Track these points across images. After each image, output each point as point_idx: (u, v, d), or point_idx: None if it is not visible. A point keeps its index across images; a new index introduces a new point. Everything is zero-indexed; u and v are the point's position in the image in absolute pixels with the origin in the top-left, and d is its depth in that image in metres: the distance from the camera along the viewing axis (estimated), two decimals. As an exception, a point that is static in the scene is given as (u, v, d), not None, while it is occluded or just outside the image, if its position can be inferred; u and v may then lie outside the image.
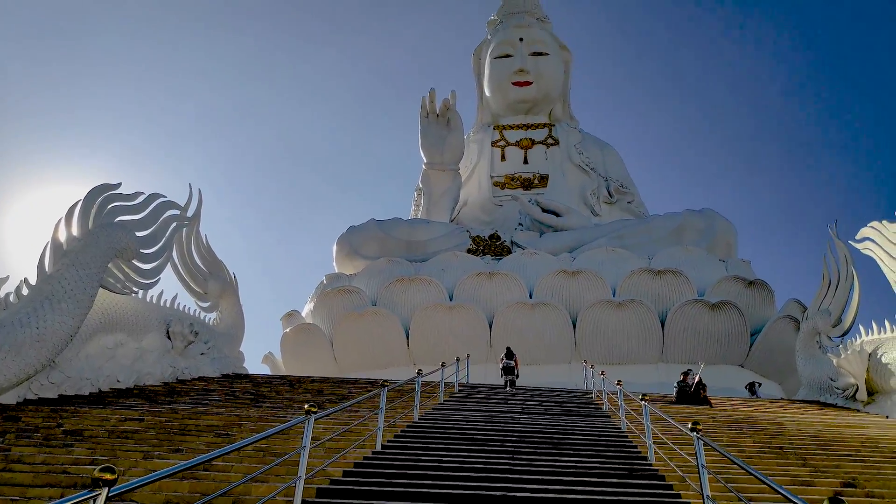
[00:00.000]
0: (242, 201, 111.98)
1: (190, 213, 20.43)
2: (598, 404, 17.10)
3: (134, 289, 17.25)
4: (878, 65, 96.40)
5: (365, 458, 10.32)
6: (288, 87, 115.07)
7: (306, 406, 7.81)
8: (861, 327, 18.71)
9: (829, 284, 20.63)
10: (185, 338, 18.46)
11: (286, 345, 33.59)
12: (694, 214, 34.65)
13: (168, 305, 19.28)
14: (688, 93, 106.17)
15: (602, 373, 16.57)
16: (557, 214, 36.50)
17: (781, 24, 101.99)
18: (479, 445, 11.58)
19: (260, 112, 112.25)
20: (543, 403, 16.67)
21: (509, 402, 16.73)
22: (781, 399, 20.83)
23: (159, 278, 18.02)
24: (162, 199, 18.08)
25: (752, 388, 24.30)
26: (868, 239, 17.70)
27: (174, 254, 20.29)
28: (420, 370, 14.62)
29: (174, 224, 18.60)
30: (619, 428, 13.76)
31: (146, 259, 17.49)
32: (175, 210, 18.77)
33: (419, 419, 13.87)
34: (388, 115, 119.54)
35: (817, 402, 19.44)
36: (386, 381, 11.95)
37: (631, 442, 12.47)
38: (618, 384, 14.05)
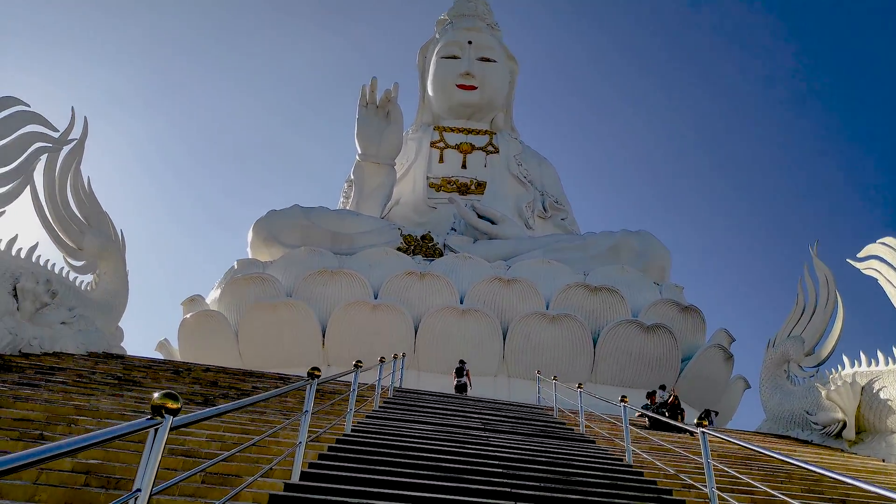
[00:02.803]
0: (151, 179, 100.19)
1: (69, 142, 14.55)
2: (566, 424, 12.87)
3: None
4: (830, 91, 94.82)
5: (274, 494, 5.56)
6: (221, 72, 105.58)
7: (156, 396, 3.07)
8: (845, 358, 15.56)
9: (804, 310, 17.51)
10: (38, 298, 12.68)
11: (184, 332, 27.70)
12: (630, 235, 31.64)
13: (21, 256, 13.36)
14: (630, 115, 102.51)
15: (580, 386, 12.46)
16: (493, 222, 32.55)
17: (730, 44, 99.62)
18: (453, 478, 7.03)
19: (187, 93, 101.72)
20: (504, 419, 12.25)
21: (462, 414, 12.21)
22: (755, 432, 17.47)
23: (4, 210, 12.17)
24: (23, 108, 12.30)
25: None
26: (875, 257, 14.56)
27: (41, 193, 14.43)
28: (358, 361, 9.88)
29: (37, 144, 12.82)
30: (622, 459, 9.57)
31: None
32: (42, 128, 13.03)
33: (353, 430, 9.13)
34: (323, 112, 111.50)
35: (789, 437, 16.08)
36: (315, 369, 7.14)
37: (653, 482, 8.29)
38: (622, 401, 9.87)
